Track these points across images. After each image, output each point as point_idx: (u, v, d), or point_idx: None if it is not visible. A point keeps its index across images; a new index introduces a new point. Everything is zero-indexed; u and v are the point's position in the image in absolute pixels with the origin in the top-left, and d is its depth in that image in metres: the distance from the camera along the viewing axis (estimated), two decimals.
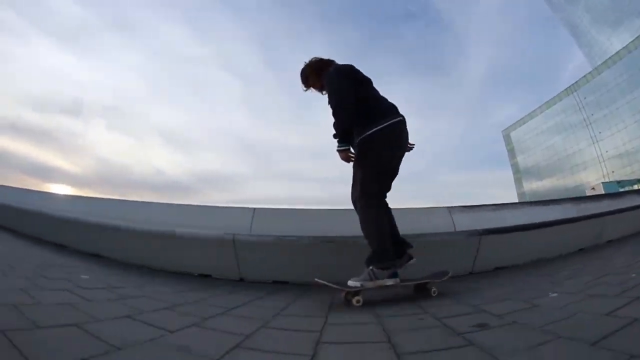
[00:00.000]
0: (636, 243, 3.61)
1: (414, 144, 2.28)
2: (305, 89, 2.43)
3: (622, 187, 27.89)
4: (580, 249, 3.48)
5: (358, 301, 1.82)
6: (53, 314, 1.21)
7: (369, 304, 1.80)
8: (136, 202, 4.27)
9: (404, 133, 2.13)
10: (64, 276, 2.07)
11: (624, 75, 37.00)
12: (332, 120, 2.07)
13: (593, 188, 31.99)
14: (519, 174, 55.16)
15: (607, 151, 39.21)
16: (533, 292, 1.79)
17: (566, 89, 45.28)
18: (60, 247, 3.70)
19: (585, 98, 42.02)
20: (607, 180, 35.75)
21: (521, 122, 54.37)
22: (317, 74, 2.31)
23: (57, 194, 5.36)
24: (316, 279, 1.99)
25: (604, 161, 39.81)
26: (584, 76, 42.97)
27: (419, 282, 2.01)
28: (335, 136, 2.07)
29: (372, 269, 1.92)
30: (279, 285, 2.60)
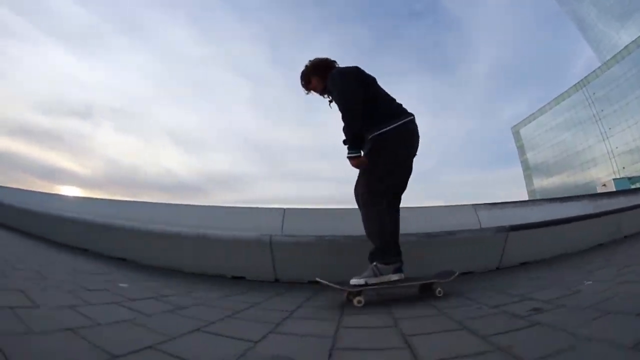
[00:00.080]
0: None
1: None
2: (306, 92, 2.39)
3: (633, 183, 27.55)
4: (599, 244, 3.60)
5: (359, 302, 1.75)
6: (121, 338, 1.08)
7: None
8: (163, 204, 4.19)
9: (417, 132, 2.12)
10: (103, 285, 1.97)
11: (633, 70, 36.48)
12: (340, 124, 2.04)
13: (604, 185, 31.62)
14: (529, 171, 54.71)
15: (617, 147, 38.70)
16: (568, 282, 1.92)
17: (575, 85, 44.80)
18: (82, 251, 3.66)
19: (594, 93, 41.53)
20: (617, 176, 35.29)
21: (531, 118, 53.92)
22: (321, 76, 2.26)
23: (77, 197, 5.36)
24: (317, 279, 1.97)
25: (614, 157, 39.29)
26: (593, 71, 42.45)
27: (425, 282, 1.96)
28: (345, 142, 2.02)
29: (376, 265, 1.89)
30: (315, 285, 2.54)
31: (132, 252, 3.31)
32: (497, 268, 2.87)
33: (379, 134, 2.00)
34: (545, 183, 50.92)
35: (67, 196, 5.58)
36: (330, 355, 1.00)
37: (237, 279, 2.80)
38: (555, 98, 48.59)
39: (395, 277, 1.88)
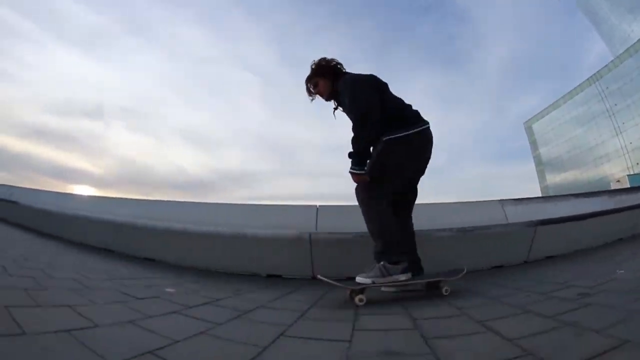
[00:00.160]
0: None
1: None
2: (311, 97, 2.29)
3: None
4: (619, 239, 3.69)
5: (361, 300, 1.72)
6: (215, 355, 1.02)
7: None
8: (189, 202, 4.27)
9: (431, 140, 2.09)
10: (150, 292, 1.88)
11: None
12: (350, 133, 1.95)
13: (618, 181, 31.16)
14: (542, 167, 54.09)
15: (630, 142, 37.99)
16: (600, 272, 2.04)
17: (588, 79, 44.10)
18: (107, 253, 3.62)
19: (607, 88, 40.81)
20: (631, 172, 34.72)
21: (543, 113, 53.26)
22: (328, 78, 2.19)
23: (99, 197, 5.32)
24: (318, 276, 1.97)
25: (627, 153, 38.60)
26: (606, 65, 41.72)
27: (433, 279, 1.95)
28: (351, 155, 1.94)
29: (383, 264, 1.84)
30: (352, 281, 2.58)
31: (161, 253, 3.30)
32: (525, 261, 2.98)
33: (394, 137, 1.95)
34: (558, 179, 50.31)
35: (88, 196, 5.63)
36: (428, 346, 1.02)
37: (273, 277, 2.79)
38: (569, 92, 47.91)
39: (403, 277, 1.84)
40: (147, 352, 0.94)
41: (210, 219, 3.44)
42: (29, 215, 5.21)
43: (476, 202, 3.42)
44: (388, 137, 1.96)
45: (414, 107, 2.13)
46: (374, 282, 1.80)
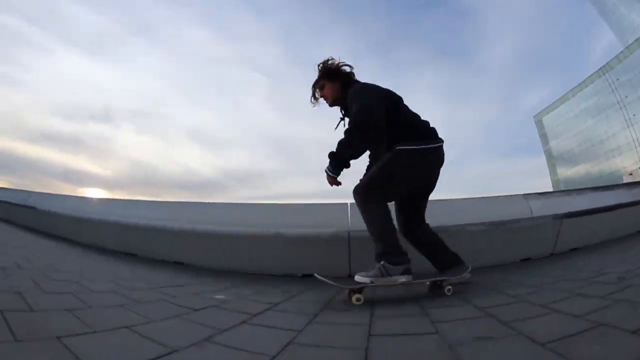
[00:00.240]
0: None
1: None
2: (314, 103, 2.25)
3: None
4: (638, 231, 3.77)
5: (358, 299, 1.72)
6: None
7: None
8: (208, 203, 4.20)
9: (443, 158, 2.06)
10: (201, 301, 1.75)
11: None
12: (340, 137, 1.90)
13: (631, 174, 30.79)
14: (553, 160, 53.57)
15: None
16: (630, 260, 2.15)
17: (598, 71, 43.50)
18: (130, 257, 3.59)
19: (617, 79, 40.21)
20: None
21: (553, 106, 52.75)
22: (339, 84, 2.14)
23: (118, 200, 5.16)
24: (315, 274, 1.96)
25: (639, 145, 38.08)
26: (616, 56, 41.10)
27: (435, 279, 1.92)
28: (332, 156, 1.90)
29: (383, 264, 1.81)
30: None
31: (189, 256, 3.29)
32: (552, 254, 3.08)
33: (407, 149, 1.91)
34: (569, 172, 49.78)
35: (106, 200, 5.49)
36: None
37: (308, 277, 2.64)
38: (578, 84, 47.35)
39: (403, 279, 1.81)
40: None
41: (241, 219, 3.38)
42: (46, 221, 5.21)
43: (501, 196, 3.52)
44: (401, 148, 1.91)
45: (428, 115, 2.10)
46: (372, 282, 1.77)
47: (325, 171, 1.94)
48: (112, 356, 0.96)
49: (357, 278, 1.80)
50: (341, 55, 2.25)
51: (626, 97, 39.26)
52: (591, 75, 44.84)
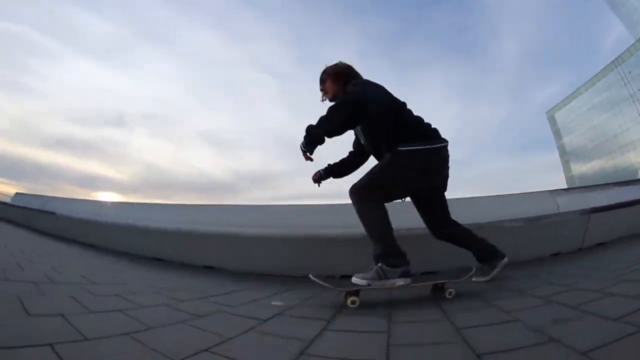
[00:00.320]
0: None
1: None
2: (323, 97, 2.25)
3: None
4: None
5: (354, 302, 1.68)
6: None
7: None
8: (229, 206, 4.10)
9: (447, 159, 2.05)
10: (265, 310, 1.64)
11: None
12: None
13: None
14: (567, 156, 52.80)
15: None
16: None
17: (609, 64, 42.80)
18: (156, 262, 3.55)
19: (630, 72, 39.51)
20: None
21: (565, 101, 52.07)
22: (341, 82, 2.16)
23: (141, 204, 5.05)
24: (310, 275, 1.88)
25: None
26: (627, 49, 40.43)
27: (437, 282, 1.87)
28: (309, 130, 1.75)
29: (381, 267, 1.77)
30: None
31: (222, 260, 3.26)
32: (580, 249, 3.12)
33: (407, 149, 1.89)
34: (584, 168, 48.98)
35: (126, 204, 5.45)
36: None
37: (345, 278, 2.71)
38: (590, 79, 46.69)
39: (401, 282, 1.76)
40: None
41: (272, 221, 3.32)
42: (67, 226, 5.19)
43: (527, 193, 3.60)
44: (402, 148, 1.90)
45: (433, 115, 2.22)
46: (369, 285, 1.73)
47: (301, 149, 1.83)
48: None
49: (354, 280, 1.77)
50: (351, 57, 2.42)
51: (639, 90, 38.51)
52: (603, 69, 44.21)
